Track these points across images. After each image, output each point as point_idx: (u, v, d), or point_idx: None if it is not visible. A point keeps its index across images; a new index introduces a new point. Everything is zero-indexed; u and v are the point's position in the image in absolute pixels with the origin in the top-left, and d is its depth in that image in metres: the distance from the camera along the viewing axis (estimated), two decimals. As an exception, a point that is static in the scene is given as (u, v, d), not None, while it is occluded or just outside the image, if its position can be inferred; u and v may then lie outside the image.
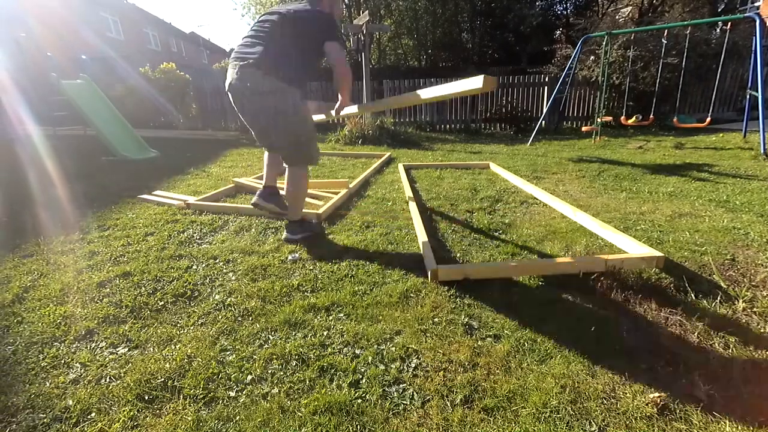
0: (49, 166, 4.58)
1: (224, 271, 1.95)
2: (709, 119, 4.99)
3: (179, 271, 1.94)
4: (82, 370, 1.27)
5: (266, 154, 2.36)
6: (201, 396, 1.16)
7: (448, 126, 8.86)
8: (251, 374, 1.24)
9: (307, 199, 3.06)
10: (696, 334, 1.38)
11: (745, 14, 4.77)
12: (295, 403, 1.12)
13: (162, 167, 4.71)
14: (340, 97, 2.14)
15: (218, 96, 9.18)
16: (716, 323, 1.42)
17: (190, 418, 1.08)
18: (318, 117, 2.52)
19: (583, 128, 6.52)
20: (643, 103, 7.00)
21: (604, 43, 5.74)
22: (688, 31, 5.29)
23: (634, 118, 5.69)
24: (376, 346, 1.35)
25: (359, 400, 1.13)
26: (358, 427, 1.04)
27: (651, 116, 5.52)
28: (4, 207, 3.03)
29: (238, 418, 1.08)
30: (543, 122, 7.10)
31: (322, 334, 1.43)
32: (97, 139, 5.57)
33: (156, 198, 3.18)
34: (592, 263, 1.82)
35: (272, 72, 1.93)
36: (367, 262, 1.99)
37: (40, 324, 1.52)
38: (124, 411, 1.11)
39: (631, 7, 15.40)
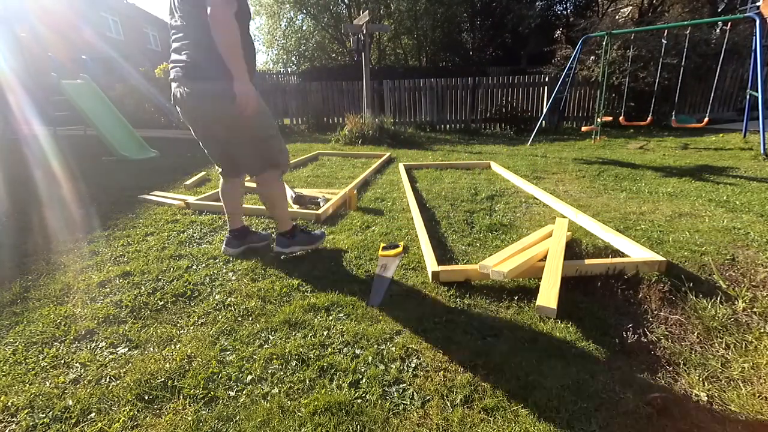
0: (49, 166, 4.58)
1: (224, 271, 1.95)
2: (707, 119, 4.99)
3: (179, 271, 1.94)
4: (82, 370, 1.27)
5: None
6: (201, 396, 1.16)
7: (448, 126, 8.85)
8: (251, 374, 1.24)
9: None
10: (696, 334, 1.38)
11: (745, 14, 4.77)
12: (295, 403, 1.12)
13: (162, 167, 4.71)
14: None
15: (218, 96, 9.18)
16: (716, 323, 1.42)
17: (190, 418, 1.08)
18: None
19: (583, 128, 6.50)
20: (643, 103, 7.00)
21: (604, 43, 5.73)
22: (688, 31, 5.28)
23: (651, 116, 5.55)
24: (376, 346, 1.35)
25: (359, 400, 1.13)
26: (358, 427, 1.04)
27: (650, 116, 5.51)
28: (5, 207, 3.04)
29: (238, 418, 1.08)
30: (543, 122, 7.09)
31: (322, 334, 1.43)
32: (97, 139, 5.57)
33: (156, 198, 3.18)
34: (592, 266, 1.79)
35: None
36: (367, 262, 1.99)
37: (40, 324, 1.52)
38: (124, 411, 1.11)
39: (631, 7, 15.39)
